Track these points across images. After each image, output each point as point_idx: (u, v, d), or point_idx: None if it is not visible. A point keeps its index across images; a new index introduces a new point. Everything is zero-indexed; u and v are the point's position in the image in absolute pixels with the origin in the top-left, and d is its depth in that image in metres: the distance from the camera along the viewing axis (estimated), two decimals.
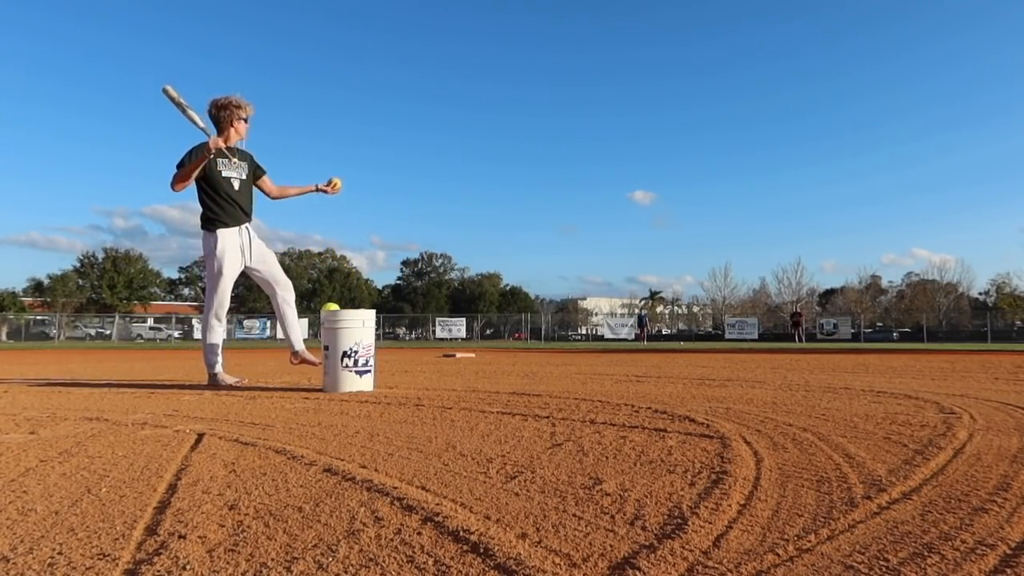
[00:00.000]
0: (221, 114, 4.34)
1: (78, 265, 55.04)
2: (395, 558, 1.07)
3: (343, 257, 65.84)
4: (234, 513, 1.33)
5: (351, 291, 58.64)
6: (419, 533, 1.19)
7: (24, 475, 1.70)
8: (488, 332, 48.89)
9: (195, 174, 4.25)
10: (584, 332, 52.84)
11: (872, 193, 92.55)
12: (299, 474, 1.67)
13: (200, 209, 4.38)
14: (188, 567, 1.04)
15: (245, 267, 4.43)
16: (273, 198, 4.73)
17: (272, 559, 1.07)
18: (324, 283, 58.25)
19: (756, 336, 37.16)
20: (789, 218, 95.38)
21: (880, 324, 49.45)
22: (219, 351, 4.40)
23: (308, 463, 1.79)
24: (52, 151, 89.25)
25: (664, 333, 53.26)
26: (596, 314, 59.34)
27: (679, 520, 1.25)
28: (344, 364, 3.80)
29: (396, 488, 1.49)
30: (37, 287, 54.71)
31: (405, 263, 69.31)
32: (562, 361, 8.79)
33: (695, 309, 64.45)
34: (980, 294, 56.92)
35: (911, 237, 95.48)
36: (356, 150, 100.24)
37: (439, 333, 39.34)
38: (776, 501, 1.38)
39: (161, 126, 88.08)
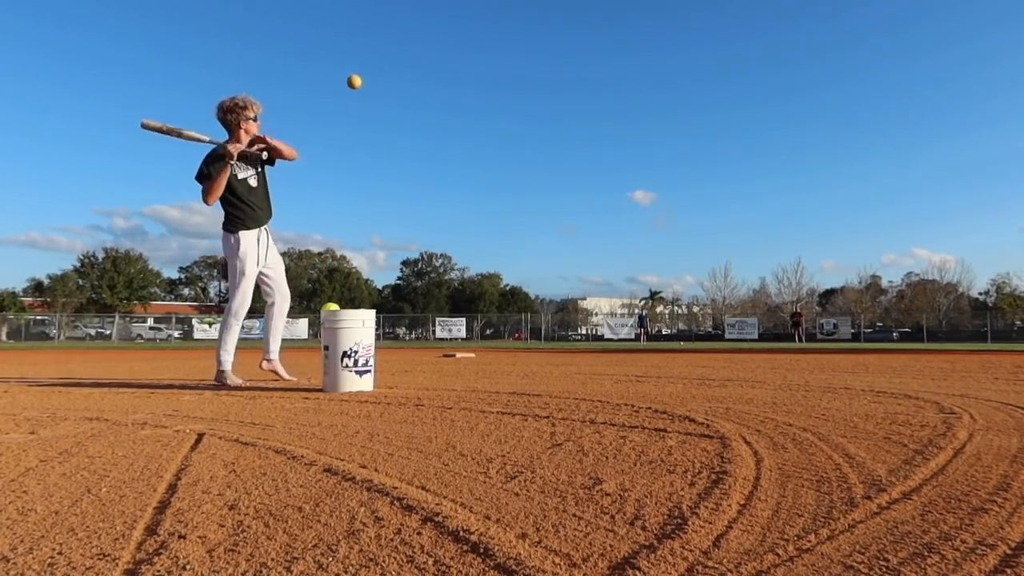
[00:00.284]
0: (228, 117, 4.34)
1: (78, 265, 55.14)
2: (395, 558, 1.07)
3: (343, 257, 65.94)
4: (234, 513, 1.33)
5: (351, 291, 58.66)
6: (419, 533, 1.19)
7: (24, 475, 1.70)
8: (488, 332, 48.90)
9: (223, 182, 4.28)
10: (584, 332, 52.84)
11: (872, 193, 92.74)
12: (299, 474, 1.67)
13: (221, 211, 4.41)
14: (188, 567, 1.04)
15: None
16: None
17: (272, 559, 1.07)
18: (324, 283, 58.27)
19: (756, 336, 37.15)
20: (789, 218, 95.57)
21: (880, 324, 49.45)
22: (233, 350, 4.41)
23: (308, 463, 1.79)
24: (52, 151, 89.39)
25: (664, 333, 53.23)
26: (596, 314, 59.36)
27: (679, 520, 1.25)
28: (344, 364, 3.80)
29: (396, 488, 1.49)
30: (37, 287, 54.75)
31: (405, 263, 69.40)
32: (562, 361, 8.79)
33: (695, 309, 64.45)
34: (980, 294, 56.96)
35: (911, 237, 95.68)
36: (357, 150, 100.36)
37: (439, 333, 39.34)
38: (776, 501, 1.38)
39: None
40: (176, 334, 39.29)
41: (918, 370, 6.05)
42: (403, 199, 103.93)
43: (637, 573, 1.00)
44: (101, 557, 1.09)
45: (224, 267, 4.69)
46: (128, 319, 44.62)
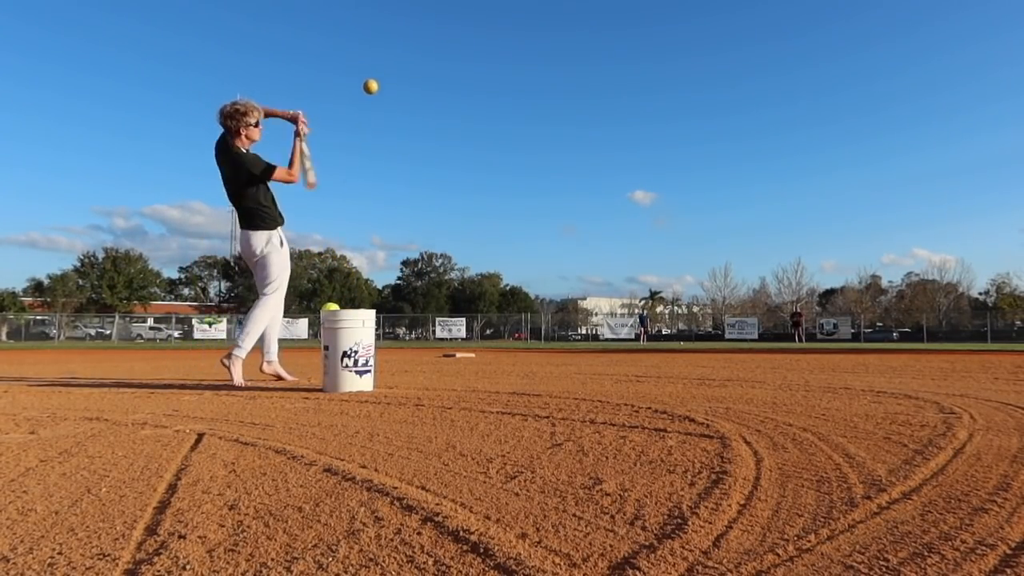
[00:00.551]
0: (229, 123, 4.34)
1: (78, 265, 55.08)
2: (395, 558, 1.07)
3: (343, 257, 65.85)
4: (234, 513, 1.33)
5: (351, 291, 58.62)
6: (419, 533, 1.19)
7: (24, 475, 1.70)
8: (488, 332, 48.89)
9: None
10: (584, 332, 52.85)
11: (872, 193, 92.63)
12: (299, 474, 1.67)
13: (249, 209, 4.40)
14: (188, 567, 1.04)
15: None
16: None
17: (272, 559, 1.07)
18: (324, 283, 58.23)
19: (756, 336, 37.16)
20: (789, 218, 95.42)
21: (880, 324, 49.43)
22: (252, 346, 4.41)
23: (308, 463, 1.79)
24: (53, 151, 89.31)
25: (664, 333, 53.24)
26: (596, 314, 59.35)
27: (679, 520, 1.25)
28: (344, 364, 3.80)
29: (396, 488, 1.49)
30: (37, 287, 54.72)
31: (405, 263, 69.31)
32: (562, 361, 8.79)
33: (695, 309, 64.44)
34: (980, 294, 56.94)
35: (911, 237, 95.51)
36: (357, 150, 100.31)
37: (439, 333, 39.34)
38: (776, 501, 1.38)
39: (162, 126, 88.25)
40: (176, 334, 39.28)
41: (918, 370, 6.05)
42: (403, 199, 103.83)
43: (637, 573, 1.00)
44: (101, 557, 1.09)
45: (243, 263, 4.74)
46: (128, 319, 44.62)
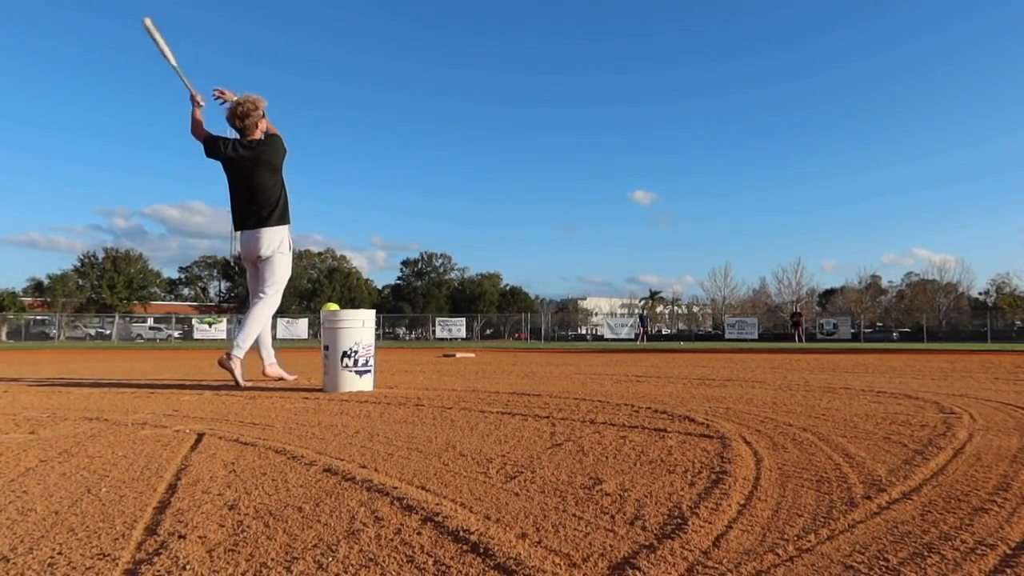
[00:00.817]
0: (247, 122, 4.39)
1: (78, 265, 55.08)
2: (395, 558, 1.07)
3: (343, 257, 65.83)
4: (234, 513, 1.33)
5: (351, 291, 58.61)
6: (419, 533, 1.19)
7: (24, 475, 1.70)
8: (488, 332, 48.89)
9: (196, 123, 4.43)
10: (584, 332, 52.83)
11: (872, 193, 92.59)
12: (299, 474, 1.67)
13: (272, 205, 4.41)
14: (188, 567, 1.04)
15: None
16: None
17: (272, 559, 1.07)
18: (324, 283, 58.22)
19: (756, 336, 37.15)
20: (789, 218, 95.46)
21: (880, 324, 49.42)
22: (252, 341, 4.40)
23: (308, 463, 1.79)
24: (53, 151, 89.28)
25: (664, 333, 53.24)
26: (596, 314, 59.36)
27: (679, 520, 1.25)
28: (344, 364, 3.80)
29: (396, 488, 1.49)
30: (37, 287, 54.70)
31: (405, 263, 69.29)
32: (562, 361, 8.79)
33: (695, 309, 64.43)
34: (980, 294, 56.92)
35: (911, 237, 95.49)
36: (357, 150, 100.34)
37: (439, 333, 39.34)
38: (776, 501, 1.38)
39: (162, 126, 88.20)
40: (176, 334, 39.28)
41: (918, 370, 6.05)
42: (403, 199, 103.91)
43: (637, 573, 1.00)
44: (101, 557, 1.09)
45: (242, 263, 4.72)
46: (128, 319, 44.62)
